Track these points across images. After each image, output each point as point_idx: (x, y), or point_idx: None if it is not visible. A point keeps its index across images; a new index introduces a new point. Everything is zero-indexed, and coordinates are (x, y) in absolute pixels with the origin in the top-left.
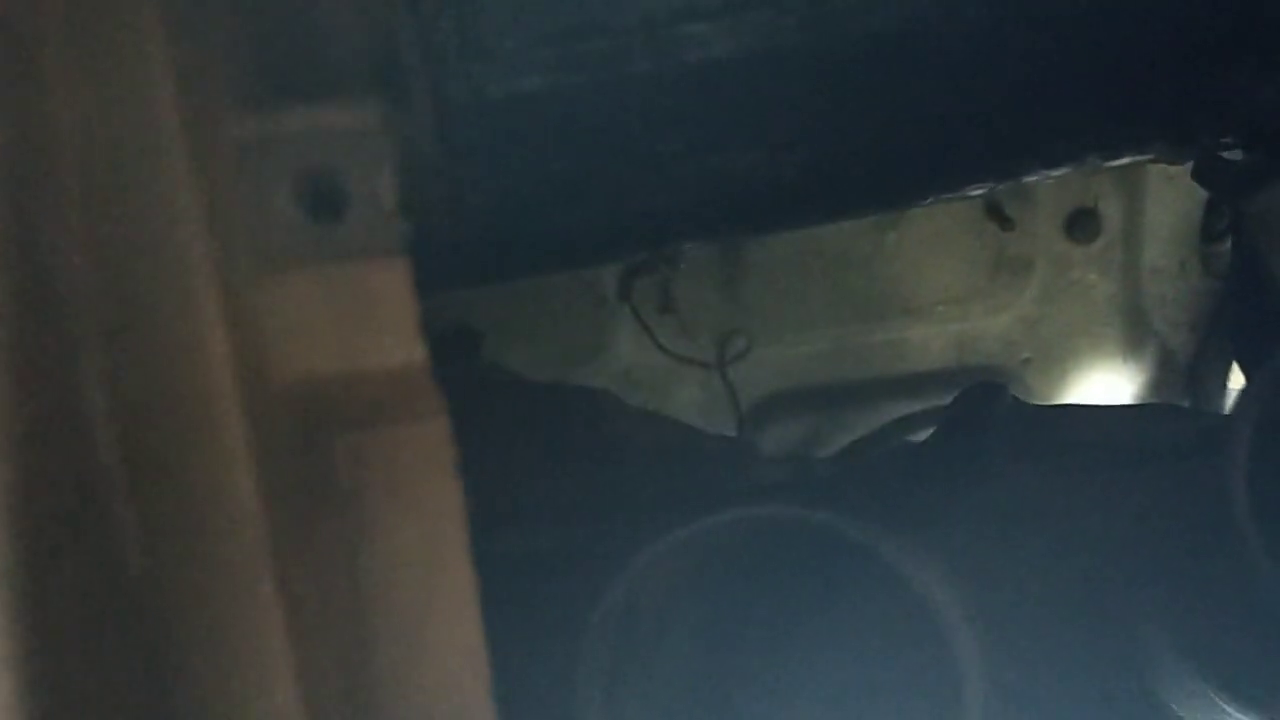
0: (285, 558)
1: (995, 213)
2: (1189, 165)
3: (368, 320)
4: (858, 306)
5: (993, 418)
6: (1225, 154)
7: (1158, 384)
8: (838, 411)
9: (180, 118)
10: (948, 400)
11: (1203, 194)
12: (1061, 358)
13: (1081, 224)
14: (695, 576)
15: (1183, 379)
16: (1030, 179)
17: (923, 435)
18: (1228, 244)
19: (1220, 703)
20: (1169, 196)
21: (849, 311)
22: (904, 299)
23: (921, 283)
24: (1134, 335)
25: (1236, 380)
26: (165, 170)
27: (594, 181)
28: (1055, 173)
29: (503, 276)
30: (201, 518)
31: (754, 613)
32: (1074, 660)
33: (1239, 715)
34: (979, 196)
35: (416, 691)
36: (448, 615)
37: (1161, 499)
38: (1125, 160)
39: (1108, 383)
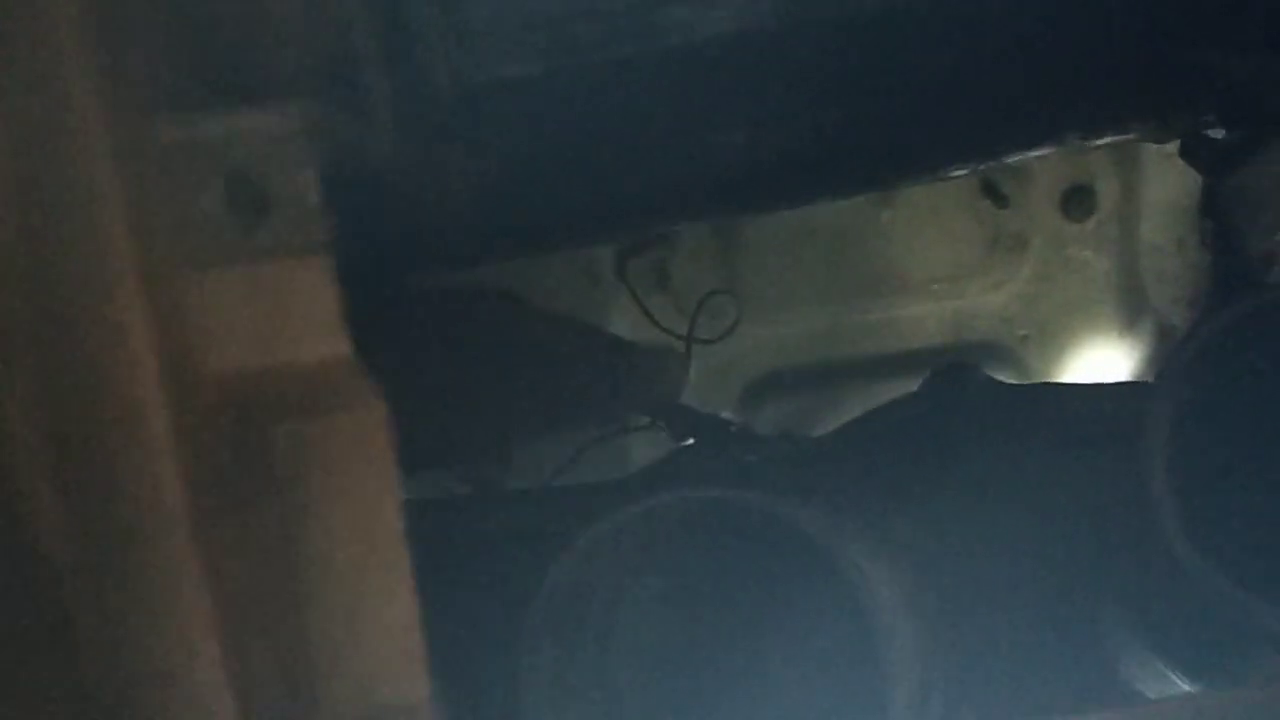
0: (214, 544)
1: (990, 191)
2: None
3: (291, 316)
4: (853, 285)
5: (964, 398)
6: (1209, 132)
7: (1155, 360)
8: (833, 390)
9: (102, 118)
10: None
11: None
12: (1058, 335)
13: (1077, 201)
14: (640, 558)
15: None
16: (1012, 159)
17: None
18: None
19: (1169, 673)
20: (1165, 173)
21: (845, 290)
22: (900, 277)
23: (917, 261)
24: (1131, 311)
25: None
26: (87, 169)
27: (582, 165)
28: (1036, 153)
29: (495, 258)
30: (124, 506)
31: (699, 594)
32: (1033, 635)
33: (1187, 685)
34: (967, 176)
35: (354, 673)
36: (384, 598)
37: (1118, 477)
38: (1106, 140)
39: (1105, 359)
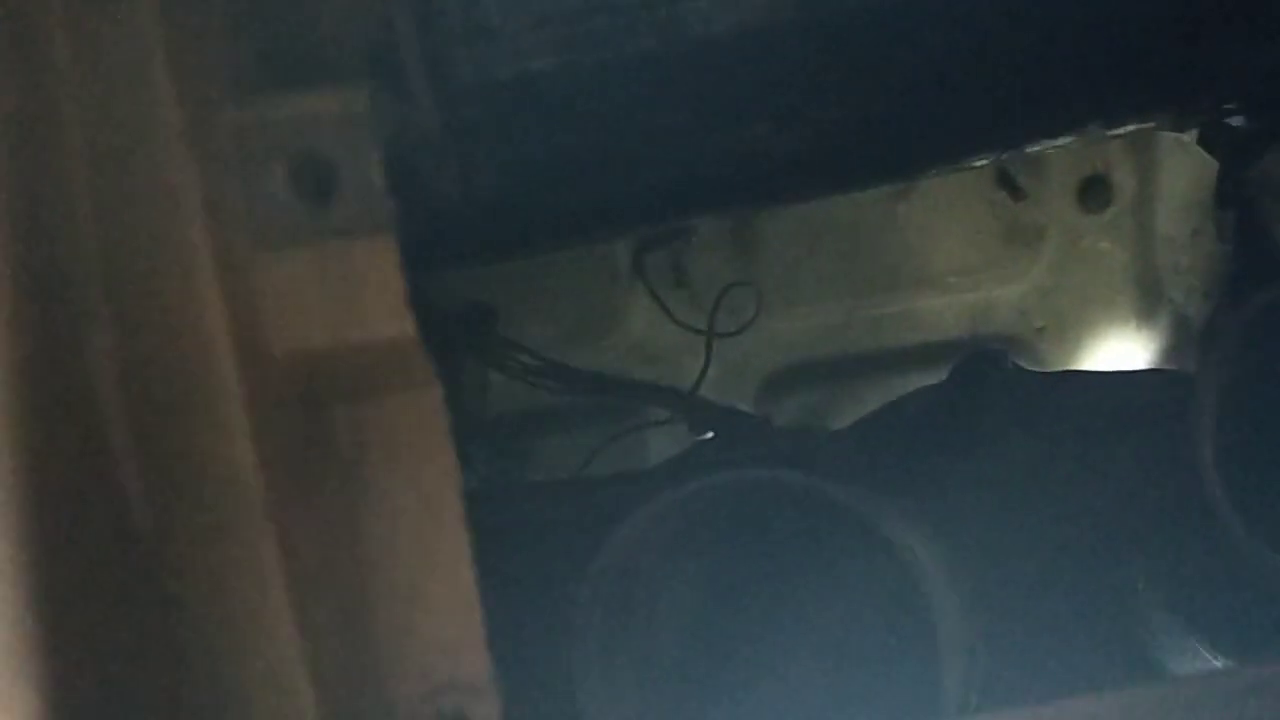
0: (285, 520)
1: (1007, 182)
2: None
3: (358, 296)
4: (870, 278)
5: (991, 386)
6: (1230, 121)
7: (1171, 351)
8: (851, 383)
9: (178, 104)
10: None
11: (1215, 160)
12: (1075, 326)
13: (1094, 192)
14: (688, 539)
15: (1197, 345)
16: (1035, 148)
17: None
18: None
19: (1208, 655)
20: (1181, 164)
21: (861, 283)
22: (916, 270)
23: (934, 253)
24: (1147, 303)
25: None
26: (165, 154)
27: (601, 159)
28: (1058, 142)
29: (514, 253)
30: (203, 481)
31: (746, 575)
32: (1067, 619)
33: (1221, 661)
34: (987, 166)
35: (417, 651)
36: (445, 575)
37: (1151, 462)
38: (1129, 128)
39: (1122, 350)
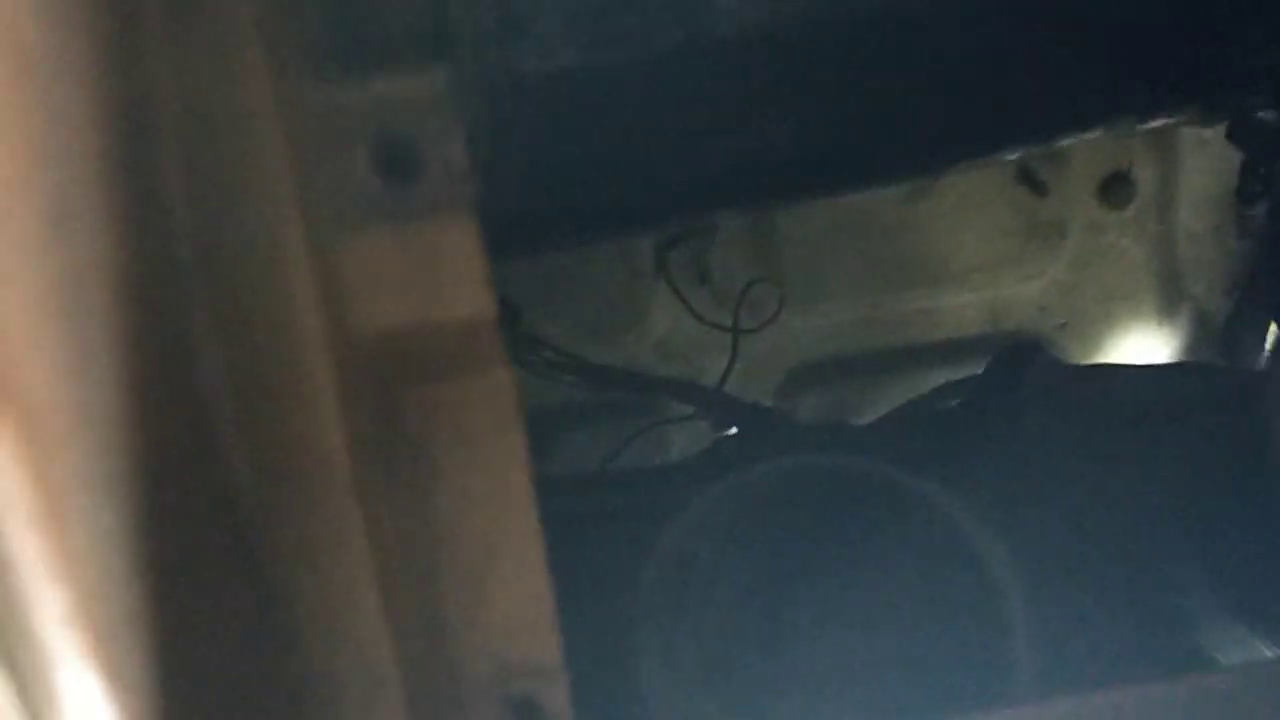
0: (367, 498)
1: (1028, 179)
2: (1222, 128)
3: (440, 275)
4: (891, 275)
5: (1028, 376)
6: (1260, 114)
7: (1193, 347)
8: (871, 380)
9: (269, 85)
10: (977, 365)
11: (1237, 157)
12: (1096, 323)
13: (1115, 189)
14: (747, 526)
15: (1219, 342)
16: (1059, 144)
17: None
18: (1262, 206)
19: (1259, 644)
20: (1203, 160)
21: (882, 280)
22: (937, 266)
23: (954, 250)
24: (1169, 300)
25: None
26: (256, 135)
27: (627, 156)
28: (1083, 137)
29: (538, 250)
30: (297, 458)
31: (805, 562)
32: (1111, 609)
33: (1273, 650)
34: (1009, 163)
35: (486, 633)
36: (515, 560)
37: (1198, 452)
38: (1159, 122)
39: (1143, 346)
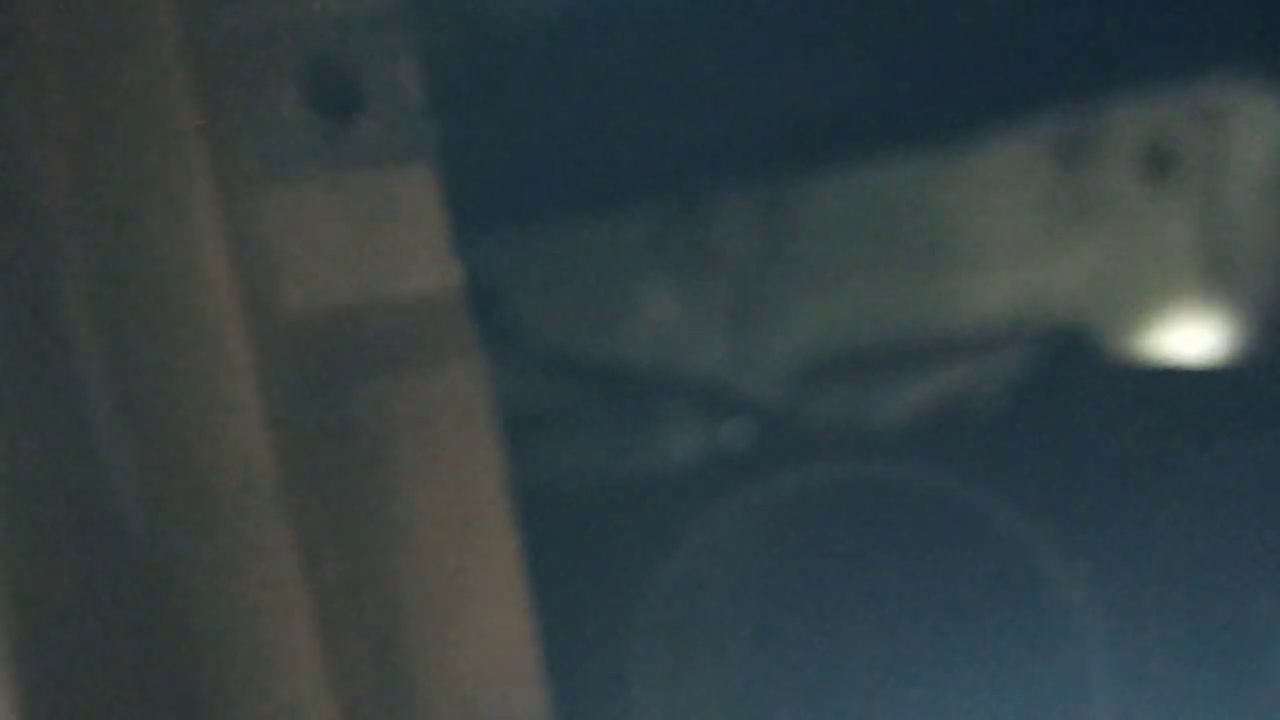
0: (302, 518)
1: (1063, 155)
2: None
3: (389, 238)
4: (911, 258)
5: (1076, 376)
6: None
7: (1244, 338)
8: (889, 372)
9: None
10: (1012, 358)
11: None
12: (1135, 306)
13: (1156, 165)
14: (765, 549)
15: (1267, 327)
16: (1098, 113)
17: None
18: None
19: None
20: (1250, 134)
21: (901, 264)
22: (962, 248)
23: (981, 230)
24: (1212, 281)
25: None
26: (153, 62)
27: (619, 119)
28: (1124, 107)
29: (518, 224)
30: (205, 472)
31: (838, 590)
32: (1183, 633)
33: None
34: (1043, 135)
35: (456, 682)
36: (489, 592)
37: (1266, 464)
38: (1207, 89)
39: (1185, 333)
